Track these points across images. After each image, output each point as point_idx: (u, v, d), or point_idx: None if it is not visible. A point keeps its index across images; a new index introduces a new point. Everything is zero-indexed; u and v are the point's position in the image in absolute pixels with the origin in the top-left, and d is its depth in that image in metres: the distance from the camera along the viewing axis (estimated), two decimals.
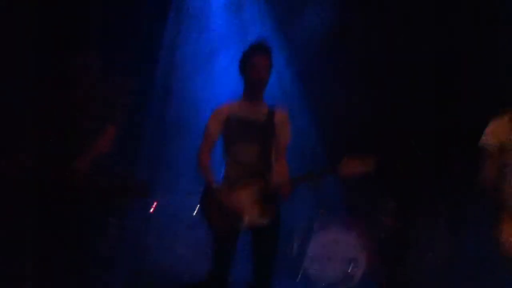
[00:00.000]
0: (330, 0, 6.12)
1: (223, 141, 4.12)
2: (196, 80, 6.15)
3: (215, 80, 6.08)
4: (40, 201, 3.71)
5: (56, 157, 3.80)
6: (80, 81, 4.04)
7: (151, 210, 5.33)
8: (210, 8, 6.27)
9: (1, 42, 4.63)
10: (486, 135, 3.80)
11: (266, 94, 4.03)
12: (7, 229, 3.74)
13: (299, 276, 5.60)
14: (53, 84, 4.01)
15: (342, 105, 6.09)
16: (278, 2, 6.24)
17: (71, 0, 5.03)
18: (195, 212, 3.77)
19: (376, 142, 3.52)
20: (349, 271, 5.58)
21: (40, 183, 3.72)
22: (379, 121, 5.87)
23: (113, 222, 3.75)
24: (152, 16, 5.83)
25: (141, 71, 5.42)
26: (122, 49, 5.11)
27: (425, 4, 5.94)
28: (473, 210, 5.48)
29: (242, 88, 4.10)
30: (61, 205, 3.72)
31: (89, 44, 4.19)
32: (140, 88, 4.78)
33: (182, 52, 6.09)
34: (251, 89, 4.07)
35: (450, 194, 5.80)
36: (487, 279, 5.10)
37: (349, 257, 5.61)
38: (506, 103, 3.87)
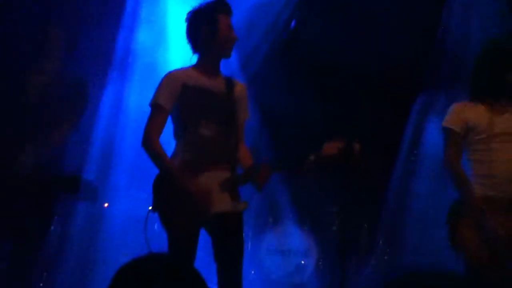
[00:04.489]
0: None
1: (177, 116, 3.48)
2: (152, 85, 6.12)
3: None
4: None
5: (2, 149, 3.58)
6: (37, 72, 3.77)
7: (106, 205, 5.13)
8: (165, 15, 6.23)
9: None
10: (450, 117, 3.87)
11: None
12: None
13: (252, 270, 5.69)
14: (7, 73, 3.83)
15: (290, 106, 6.21)
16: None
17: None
18: (150, 208, 3.39)
19: (321, 143, 3.53)
20: (302, 262, 5.71)
21: None
22: (325, 123, 6.04)
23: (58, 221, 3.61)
24: (107, 18, 5.76)
25: (95, 71, 5.36)
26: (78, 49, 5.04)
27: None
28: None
29: (197, 55, 3.53)
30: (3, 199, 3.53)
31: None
32: (94, 89, 4.70)
33: (137, 56, 6.02)
34: (214, 55, 3.51)
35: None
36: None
37: (301, 249, 5.76)
38: None
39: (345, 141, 3.40)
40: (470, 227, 3.69)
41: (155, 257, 1.73)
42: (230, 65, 3.84)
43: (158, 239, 3.57)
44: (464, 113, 3.84)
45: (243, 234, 3.54)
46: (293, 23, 6.24)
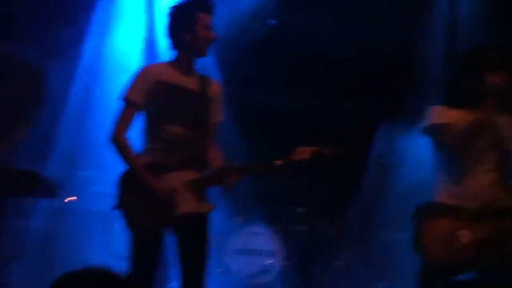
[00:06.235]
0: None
1: (147, 113, 3.41)
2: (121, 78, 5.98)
3: None
4: None
5: None
6: None
7: (66, 200, 5.05)
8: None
9: None
10: (434, 116, 3.61)
11: None
12: None
13: (218, 270, 5.64)
14: None
15: (266, 105, 6.18)
16: None
17: None
18: (112, 207, 3.33)
19: (298, 139, 3.49)
20: (266, 263, 5.63)
21: None
22: (303, 122, 6.01)
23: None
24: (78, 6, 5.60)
25: (60, 64, 5.22)
26: (41, 43, 4.91)
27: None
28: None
29: (175, 52, 3.46)
30: None
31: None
32: (58, 84, 4.60)
33: (106, 49, 5.87)
34: (191, 54, 3.44)
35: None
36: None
37: (267, 249, 5.69)
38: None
39: (318, 147, 3.37)
40: (436, 228, 3.57)
41: (90, 273, 1.64)
42: (206, 63, 3.73)
43: (120, 237, 3.48)
44: (449, 114, 3.62)
45: (208, 235, 3.48)
46: (273, 21, 6.19)
